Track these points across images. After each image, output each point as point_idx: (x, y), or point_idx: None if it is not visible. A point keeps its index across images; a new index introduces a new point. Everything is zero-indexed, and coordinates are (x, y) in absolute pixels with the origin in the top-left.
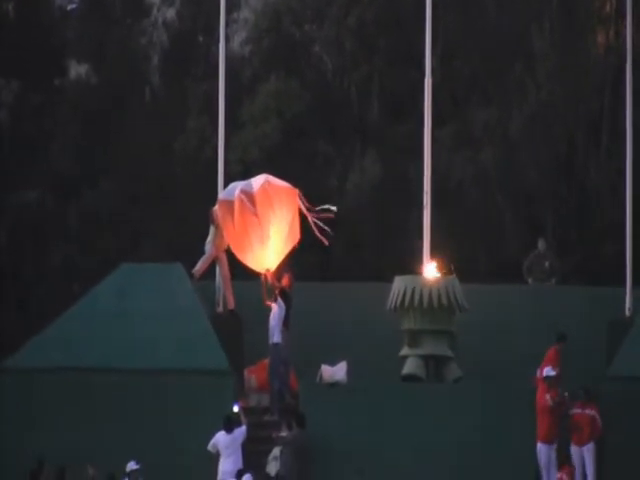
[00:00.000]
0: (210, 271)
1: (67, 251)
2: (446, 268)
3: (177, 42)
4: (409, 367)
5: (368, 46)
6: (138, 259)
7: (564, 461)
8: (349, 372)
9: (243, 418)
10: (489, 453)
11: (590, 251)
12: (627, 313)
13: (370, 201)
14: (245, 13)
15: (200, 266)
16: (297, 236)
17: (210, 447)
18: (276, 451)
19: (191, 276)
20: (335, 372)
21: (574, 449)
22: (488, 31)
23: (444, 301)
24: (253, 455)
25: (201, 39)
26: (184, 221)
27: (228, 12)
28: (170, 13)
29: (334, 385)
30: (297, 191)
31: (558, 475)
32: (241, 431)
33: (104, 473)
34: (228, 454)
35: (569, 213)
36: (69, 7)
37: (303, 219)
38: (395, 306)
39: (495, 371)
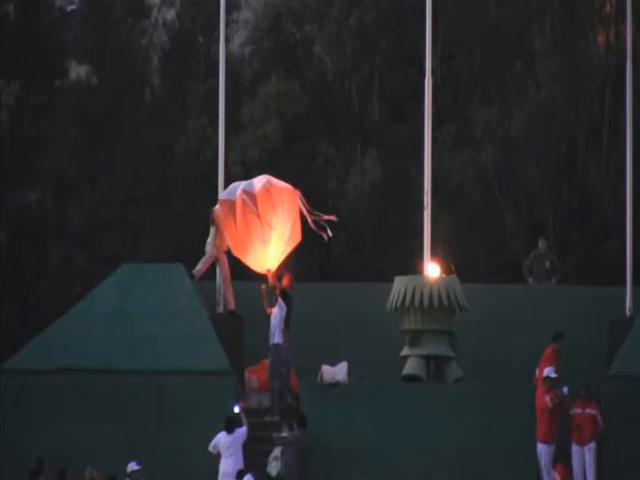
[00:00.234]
0: (211, 272)
1: (67, 251)
2: (447, 268)
3: (177, 43)
4: (410, 367)
5: (368, 47)
6: (138, 260)
7: (559, 461)
8: (350, 372)
9: (244, 419)
10: (489, 453)
11: (590, 251)
12: (627, 313)
13: (370, 201)
14: (245, 14)
15: (200, 267)
16: (298, 237)
17: (211, 448)
18: (277, 451)
19: (191, 277)
20: (336, 372)
21: (575, 449)
22: (489, 31)
23: (444, 301)
24: (254, 455)
25: (201, 40)
26: (184, 222)
27: (228, 13)
28: (170, 14)
29: (335, 385)
30: (298, 192)
31: (553, 475)
32: (242, 432)
33: (105, 474)
34: (229, 455)
35: (569, 213)
36: (69, 8)
37: (303, 220)
38: (396, 306)
39: (496, 371)
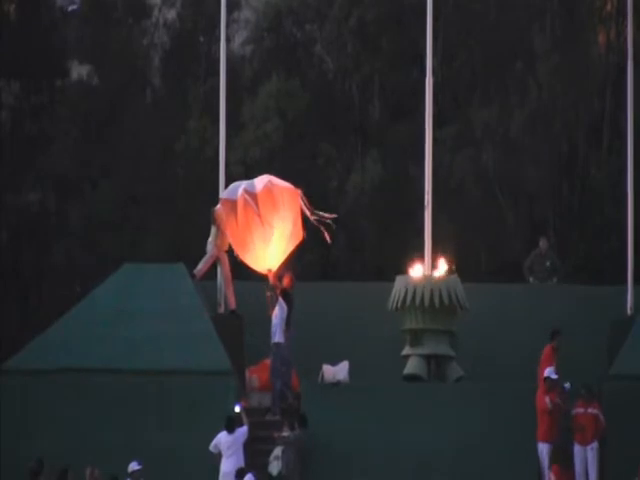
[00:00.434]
0: (212, 271)
1: (69, 252)
2: (448, 267)
3: (178, 43)
4: (411, 367)
5: (369, 46)
6: (139, 259)
7: (555, 461)
8: (351, 372)
9: (245, 418)
10: (490, 452)
11: (591, 250)
12: (629, 312)
13: (371, 201)
14: (246, 13)
15: (201, 266)
16: (300, 236)
17: (212, 447)
18: (278, 451)
19: (192, 276)
20: (337, 372)
21: (577, 448)
22: (489, 31)
23: (445, 301)
24: (255, 455)
25: (202, 39)
26: (185, 221)
27: (229, 12)
28: (171, 14)
29: (336, 385)
30: (299, 191)
31: (549, 475)
32: (243, 431)
33: (106, 474)
34: (230, 454)
35: (570, 212)
36: (70, 8)
37: (305, 220)
38: (397, 306)
39: (496, 370)
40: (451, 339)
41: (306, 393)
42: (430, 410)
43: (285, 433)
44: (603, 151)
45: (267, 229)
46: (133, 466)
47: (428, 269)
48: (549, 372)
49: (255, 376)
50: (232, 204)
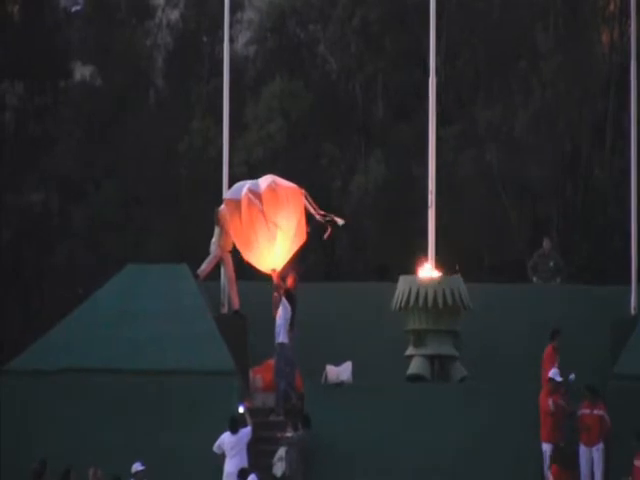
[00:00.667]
0: (215, 272)
1: (72, 252)
2: (451, 268)
3: (181, 43)
4: (414, 367)
5: (372, 46)
6: (143, 260)
7: (555, 461)
8: (354, 372)
9: (248, 419)
10: (494, 452)
11: (595, 250)
12: (632, 312)
13: (375, 201)
14: (249, 14)
15: (205, 267)
16: (303, 236)
17: (215, 448)
18: (282, 451)
19: (196, 277)
20: (340, 372)
21: (583, 449)
22: (492, 30)
23: (449, 301)
24: (258, 455)
25: (205, 40)
26: (188, 222)
27: (232, 13)
28: (174, 14)
29: (339, 385)
30: (303, 191)
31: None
32: (246, 432)
33: (109, 474)
34: (233, 455)
35: (573, 212)
36: (73, 9)
37: (309, 219)
38: (400, 306)
39: (500, 370)
40: (455, 339)
41: (310, 393)
42: (434, 410)
43: (289, 434)
44: (606, 151)
45: (271, 228)
46: (137, 467)
47: (432, 269)
48: (553, 374)
49: (259, 376)
50: (236, 204)
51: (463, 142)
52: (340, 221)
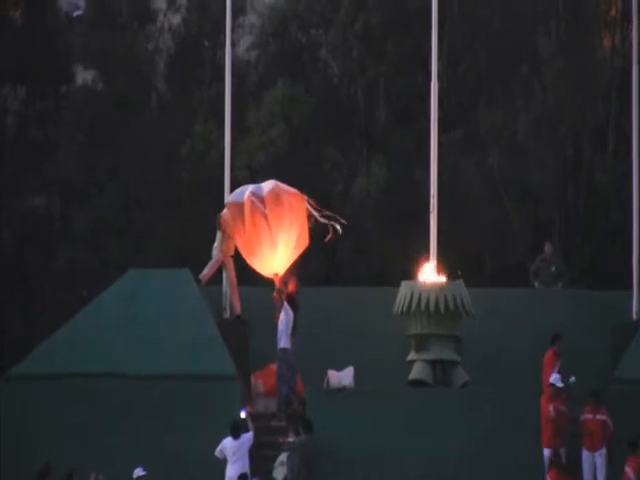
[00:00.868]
0: (217, 276)
1: (74, 257)
2: (453, 273)
3: (183, 48)
4: (416, 372)
5: (375, 51)
6: (145, 264)
7: (554, 465)
8: (356, 377)
9: (250, 424)
10: (496, 458)
11: (597, 254)
12: (634, 316)
13: (377, 205)
14: (251, 18)
15: (207, 272)
16: (306, 242)
17: (217, 453)
18: (283, 456)
19: (198, 281)
20: (342, 377)
21: (585, 454)
22: (494, 35)
23: (451, 306)
24: (260, 461)
25: (207, 44)
26: (190, 226)
27: (234, 17)
28: (176, 19)
29: (341, 390)
30: (305, 197)
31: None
32: (248, 437)
33: (111, 479)
34: (235, 460)
35: (575, 216)
36: (75, 14)
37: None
38: (402, 311)
39: (501, 375)
40: (456, 344)
41: (311, 398)
42: (435, 416)
43: (290, 439)
44: (608, 155)
45: (274, 231)
46: (138, 472)
47: (434, 273)
48: (555, 379)
49: (261, 381)
50: (239, 207)
51: (465, 147)
52: (340, 224)
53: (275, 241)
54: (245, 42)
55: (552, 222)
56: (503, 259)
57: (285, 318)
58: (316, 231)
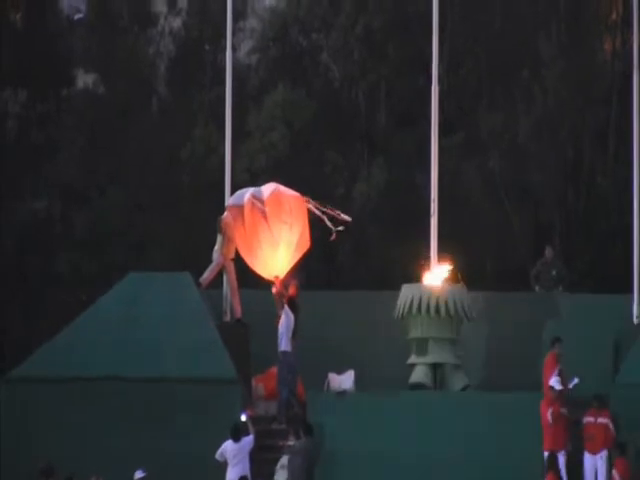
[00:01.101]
0: (217, 280)
1: (74, 260)
2: (454, 276)
3: (184, 51)
4: (416, 375)
5: (375, 54)
6: (145, 268)
7: (551, 467)
8: (356, 380)
9: (251, 427)
10: (496, 461)
11: (597, 257)
12: (635, 320)
13: (377, 208)
14: (252, 22)
15: (207, 275)
16: (307, 245)
17: (218, 456)
18: (284, 460)
19: (198, 285)
20: (342, 380)
21: (587, 457)
22: (495, 38)
23: (451, 309)
24: (261, 464)
25: (208, 48)
26: (191, 229)
27: (235, 21)
28: (177, 22)
29: (342, 393)
30: (305, 199)
31: None
32: (249, 440)
33: None
34: (235, 463)
35: (576, 218)
36: (76, 17)
37: (311, 228)
38: (402, 314)
39: (502, 379)
40: (457, 348)
41: (312, 402)
42: (436, 419)
43: (291, 442)
44: (609, 158)
45: (275, 233)
46: (138, 474)
47: (434, 276)
48: (554, 382)
49: (261, 384)
50: (239, 210)
51: (465, 150)
52: (347, 218)
53: (276, 241)
54: (246, 46)
55: (553, 225)
56: (504, 263)
57: (286, 321)
58: (317, 235)
